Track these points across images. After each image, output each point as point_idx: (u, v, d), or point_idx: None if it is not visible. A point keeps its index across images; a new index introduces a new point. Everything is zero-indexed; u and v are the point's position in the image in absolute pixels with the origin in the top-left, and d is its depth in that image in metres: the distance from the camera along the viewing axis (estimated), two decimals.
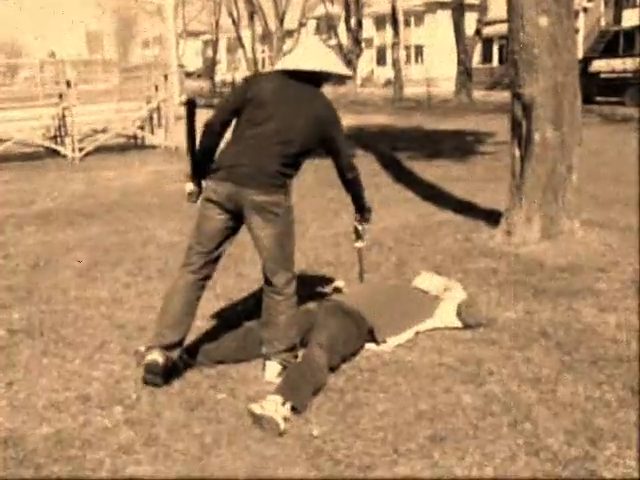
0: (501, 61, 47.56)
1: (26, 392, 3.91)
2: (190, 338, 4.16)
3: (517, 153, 6.66)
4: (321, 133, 3.97)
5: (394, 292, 4.86)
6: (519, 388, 3.77)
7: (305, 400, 3.63)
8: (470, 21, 32.00)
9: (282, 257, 3.92)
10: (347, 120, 22.10)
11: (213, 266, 4.04)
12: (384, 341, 4.33)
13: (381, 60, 58.62)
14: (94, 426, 3.52)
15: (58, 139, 16.12)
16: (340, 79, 4.51)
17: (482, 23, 30.78)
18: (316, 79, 3.98)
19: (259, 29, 49.23)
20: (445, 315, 4.67)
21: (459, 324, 4.63)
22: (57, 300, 5.48)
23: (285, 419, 3.45)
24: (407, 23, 49.35)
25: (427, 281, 4.96)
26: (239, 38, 50.10)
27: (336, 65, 4.05)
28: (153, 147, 16.50)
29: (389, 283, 5.13)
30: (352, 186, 4.36)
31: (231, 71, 61.33)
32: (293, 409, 3.55)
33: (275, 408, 3.46)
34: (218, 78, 49.64)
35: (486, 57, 49.54)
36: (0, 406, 3.77)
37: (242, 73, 54.45)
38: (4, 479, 3.11)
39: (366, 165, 12.26)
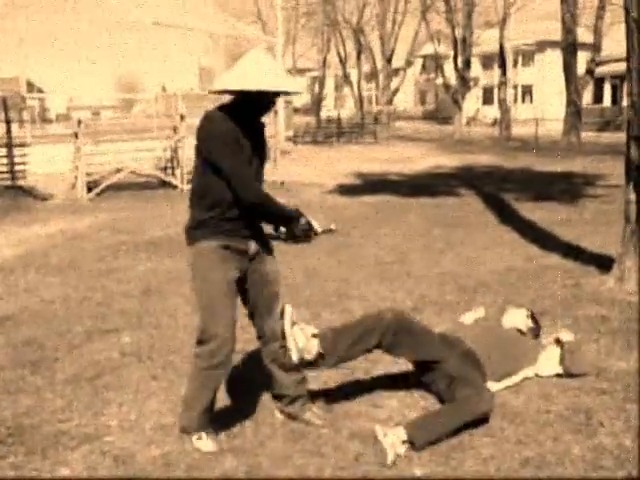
0: (614, 101, 46.31)
1: (136, 414, 4.04)
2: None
3: (632, 197, 6.45)
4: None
5: (498, 336, 4.75)
6: (633, 443, 3.62)
7: (428, 443, 3.60)
8: (581, 60, 31.36)
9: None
10: (453, 160, 22.09)
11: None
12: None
13: (488, 99, 58.18)
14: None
15: (169, 170, 16.74)
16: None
17: (594, 62, 30.11)
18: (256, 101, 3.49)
19: (366, 67, 49.83)
20: (548, 362, 4.53)
21: (561, 372, 4.49)
22: (166, 326, 5.66)
23: (397, 456, 3.45)
24: (515, 62, 48.89)
25: (518, 318, 4.79)
26: (346, 75, 50.85)
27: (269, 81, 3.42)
28: None
29: (488, 325, 5.02)
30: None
31: (337, 108, 62.19)
32: (411, 444, 3.55)
33: (394, 442, 3.47)
34: (324, 114, 50.36)
35: (597, 97, 48.36)
36: (111, 426, 3.91)
37: (348, 110, 55.15)
38: None
39: (472, 206, 12.17)
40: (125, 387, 4.43)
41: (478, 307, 5.25)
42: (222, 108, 3.48)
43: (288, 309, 3.78)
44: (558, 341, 4.66)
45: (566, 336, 4.75)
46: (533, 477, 3.32)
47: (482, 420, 3.80)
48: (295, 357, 3.69)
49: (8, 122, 16.20)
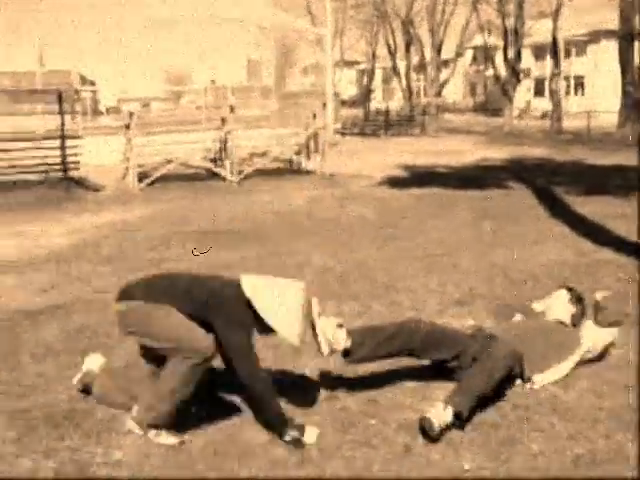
0: None
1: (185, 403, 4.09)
2: None
3: None
4: None
5: (539, 329, 4.66)
6: None
7: (470, 407, 3.67)
8: (638, 50, 30.63)
9: None
10: (502, 152, 21.80)
11: None
12: (530, 379, 4.21)
13: (539, 91, 57.32)
14: (248, 440, 3.63)
15: (218, 162, 16.88)
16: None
17: None
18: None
19: (415, 59, 49.48)
20: (588, 335, 4.47)
21: (608, 337, 4.45)
22: None
23: (446, 425, 3.54)
24: (568, 53, 47.99)
25: (560, 308, 4.72)
26: (395, 67, 50.54)
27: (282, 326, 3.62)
28: (308, 172, 16.93)
29: (530, 319, 4.95)
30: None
31: (385, 100, 61.94)
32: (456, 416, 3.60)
33: (438, 412, 3.55)
34: (372, 106, 50.17)
35: None
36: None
37: (397, 102, 54.89)
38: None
39: (522, 199, 12.02)
40: None
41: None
42: None
43: (314, 301, 3.82)
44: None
45: (600, 294, 4.68)
46: (585, 476, 3.28)
47: (531, 414, 3.77)
48: (325, 349, 3.73)
49: (62, 114, 16.51)
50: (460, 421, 3.62)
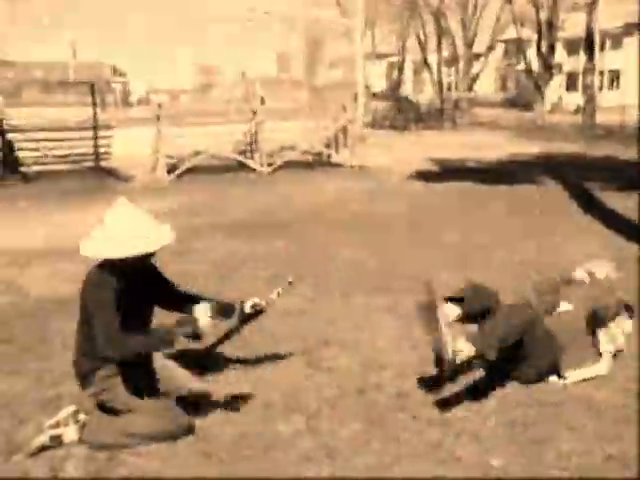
0: None
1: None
2: None
3: None
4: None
5: (576, 325, 4.59)
6: None
7: (488, 346, 3.76)
8: None
9: None
10: (534, 147, 21.55)
11: None
12: (564, 376, 4.15)
13: (571, 86, 56.58)
14: (276, 432, 3.63)
15: (248, 154, 16.90)
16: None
17: None
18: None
19: (446, 52, 49.10)
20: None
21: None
22: None
23: (458, 351, 3.64)
24: (602, 47, 47.33)
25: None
26: (425, 61, 50.19)
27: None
28: (338, 165, 16.89)
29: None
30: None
31: (416, 93, 61.60)
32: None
33: (455, 336, 3.68)
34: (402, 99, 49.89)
35: None
36: (190, 402, 3.97)
37: (427, 95, 54.57)
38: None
39: (554, 195, 11.89)
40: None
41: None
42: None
43: (443, 310, 3.79)
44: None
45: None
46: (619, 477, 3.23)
47: (562, 412, 3.72)
48: (452, 357, 3.63)
49: (94, 106, 16.63)
50: (482, 361, 3.60)
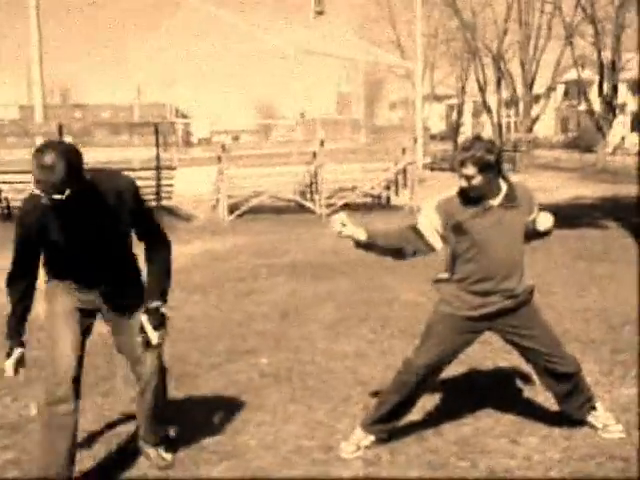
0: None
1: (273, 435, 4.11)
2: None
3: None
4: None
5: None
6: None
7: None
8: None
9: None
10: (596, 190, 21.20)
11: None
12: None
13: (637, 126, 55.66)
14: (336, 476, 3.60)
15: (308, 195, 17.05)
16: None
17: None
18: None
19: (505, 93, 48.94)
20: None
21: None
22: (304, 350, 5.74)
23: None
24: None
25: None
26: (484, 102, 50.10)
27: None
28: (397, 207, 16.88)
29: None
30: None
31: (473, 135, 61.31)
32: None
33: None
34: (461, 141, 49.82)
35: None
36: (250, 445, 3.99)
37: (486, 136, 54.22)
38: None
39: (618, 239, 11.65)
40: (263, 408, 4.51)
41: None
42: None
43: None
44: None
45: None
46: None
47: None
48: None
49: (157, 146, 17.05)
50: None
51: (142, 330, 3.38)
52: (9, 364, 3.39)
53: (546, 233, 3.88)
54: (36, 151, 3.04)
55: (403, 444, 3.93)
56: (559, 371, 3.83)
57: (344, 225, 3.66)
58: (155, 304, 3.41)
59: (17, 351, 3.40)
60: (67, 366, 3.39)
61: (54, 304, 3.49)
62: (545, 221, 3.83)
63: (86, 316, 3.55)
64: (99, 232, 3.33)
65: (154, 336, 3.37)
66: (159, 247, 3.55)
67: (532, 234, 3.88)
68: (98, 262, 3.43)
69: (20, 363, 3.43)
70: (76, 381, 3.42)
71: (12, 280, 3.44)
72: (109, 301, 3.55)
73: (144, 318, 3.38)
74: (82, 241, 3.32)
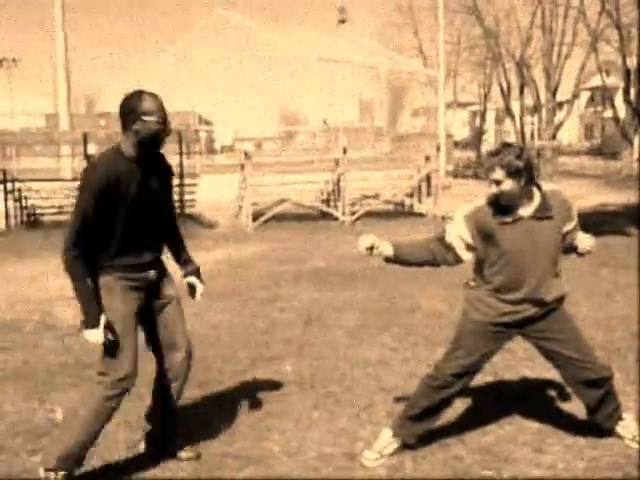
0: None
1: (298, 441, 4.13)
2: None
3: None
4: None
5: None
6: None
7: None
8: None
9: None
10: (622, 197, 21.03)
11: None
12: None
13: None
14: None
15: (331, 203, 17.08)
16: None
17: None
18: None
19: (529, 100, 48.70)
20: None
21: None
22: (327, 357, 5.75)
23: None
24: None
25: None
26: (508, 109, 49.88)
27: None
28: (420, 215, 16.85)
29: None
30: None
31: (498, 142, 61.12)
32: None
33: None
34: (484, 148, 49.60)
35: None
36: (274, 451, 4.02)
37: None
38: None
39: None
40: (287, 415, 4.53)
41: None
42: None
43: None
44: None
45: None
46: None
47: None
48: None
49: (181, 154, 17.17)
50: None
51: (191, 288, 4.02)
52: (99, 332, 3.47)
53: (583, 254, 3.88)
54: (138, 93, 3.42)
55: (426, 452, 3.93)
56: (590, 378, 3.81)
57: (369, 249, 3.88)
58: (196, 264, 4.03)
59: (103, 318, 3.49)
60: (131, 363, 3.62)
61: (115, 298, 3.56)
62: (585, 243, 3.83)
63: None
64: (161, 198, 3.68)
65: (201, 288, 4.07)
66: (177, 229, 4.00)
67: (569, 249, 3.87)
68: (155, 232, 3.69)
69: (107, 328, 3.51)
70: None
71: (78, 249, 3.42)
72: (158, 279, 3.77)
73: (192, 279, 4.03)
74: (150, 201, 3.56)
